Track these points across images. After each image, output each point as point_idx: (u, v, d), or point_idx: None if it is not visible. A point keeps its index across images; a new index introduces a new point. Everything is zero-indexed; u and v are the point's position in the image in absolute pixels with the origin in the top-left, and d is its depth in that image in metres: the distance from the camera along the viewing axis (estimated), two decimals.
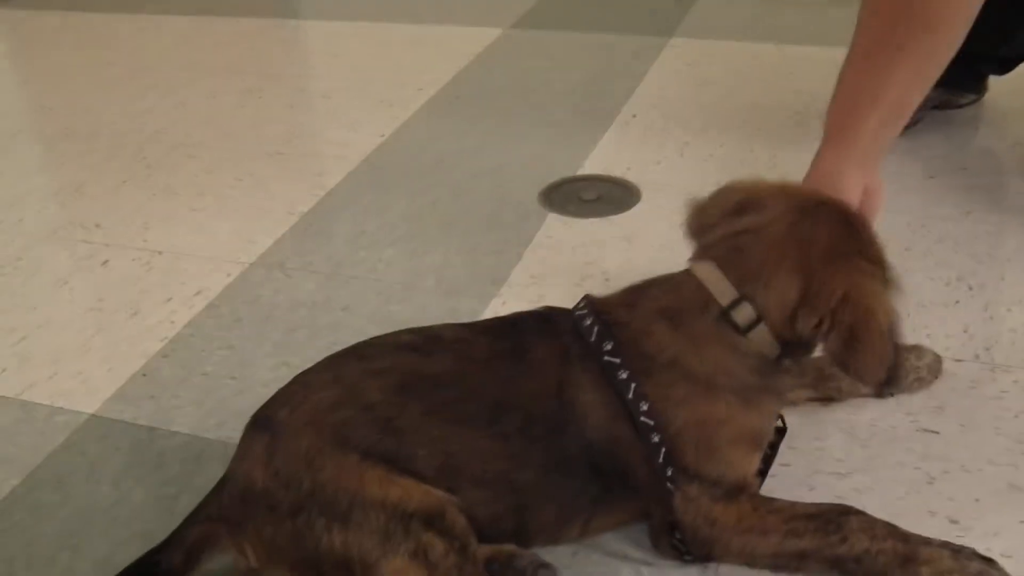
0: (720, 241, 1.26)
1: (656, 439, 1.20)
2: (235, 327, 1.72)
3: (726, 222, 1.27)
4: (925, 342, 1.56)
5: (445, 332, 1.30)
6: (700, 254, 1.28)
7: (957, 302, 1.69)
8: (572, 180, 2.13)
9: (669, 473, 1.20)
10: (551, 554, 1.25)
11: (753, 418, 1.24)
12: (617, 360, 1.22)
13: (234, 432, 1.46)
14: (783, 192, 1.28)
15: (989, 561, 1.18)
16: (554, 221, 1.99)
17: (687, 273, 1.26)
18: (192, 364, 1.64)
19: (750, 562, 1.23)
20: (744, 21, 2.96)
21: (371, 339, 1.30)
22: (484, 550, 1.18)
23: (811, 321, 1.19)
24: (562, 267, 1.82)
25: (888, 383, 1.21)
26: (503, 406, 1.21)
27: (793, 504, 1.23)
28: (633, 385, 1.20)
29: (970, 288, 1.73)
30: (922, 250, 1.83)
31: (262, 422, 1.20)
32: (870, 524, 1.20)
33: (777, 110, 2.37)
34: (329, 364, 1.26)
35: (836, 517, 1.20)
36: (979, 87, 2.36)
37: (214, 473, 1.26)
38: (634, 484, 1.23)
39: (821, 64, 2.58)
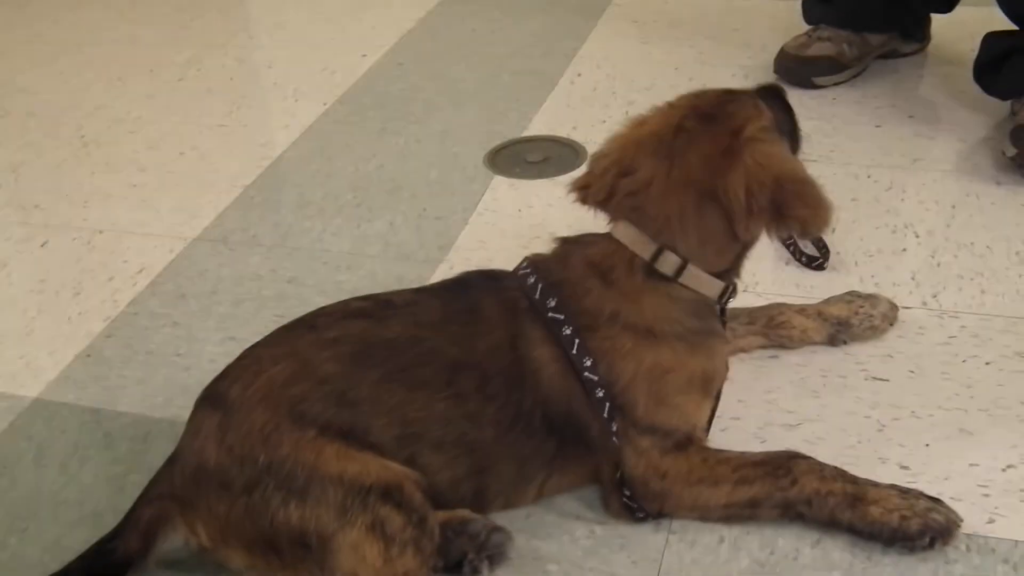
0: (624, 201, 1.25)
1: (600, 394, 1.20)
2: (179, 303, 1.70)
3: (613, 183, 1.26)
4: (873, 290, 1.56)
5: (396, 297, 1.29)
6: (613, 216, 1.27)
7: (904, 250, 1.70)
8: (517, 142, 2.12)
9: (615, 428, 1.20)
10: (505, 516, 1.25)
11: (701, 361, 1.25)
12: (561, 316, 1.22)
13: (182, 410, 1.45)
14: (641, 141, 1.27)
15: (936, 500, 1.19)
16: (500, 183, 1.97)
17: (608, 235, 1.27)
18: (136, 343, 1.62)
19: (703, 514, 1.23)
20: None
21: (321, 308, 1.28)
22: (439, 516, 1.18)
23: (758, 223, 1.21)
24: (509, 230, 1.80)
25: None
26: (459, 366, 1.20)
27: (742, 454, 1.24)
28: (577, 341, 1.21)
29: (917, 236, 1.73)
30: (869, 199, 1.83)
31: (213, 399, 1.18)
32: (818, 467, 1.21)
33: (725, 65, 2.36)
34: (280, 337, 1.24)
35: (785, 462, 1.21)
36: (923, 34, 2.37)
37: (163, 452, 1.24)
38: (587, 440, 1.23)
39: (769, 16, 2.59)
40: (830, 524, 1.20)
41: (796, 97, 1.45)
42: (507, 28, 2.69)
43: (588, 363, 1.20)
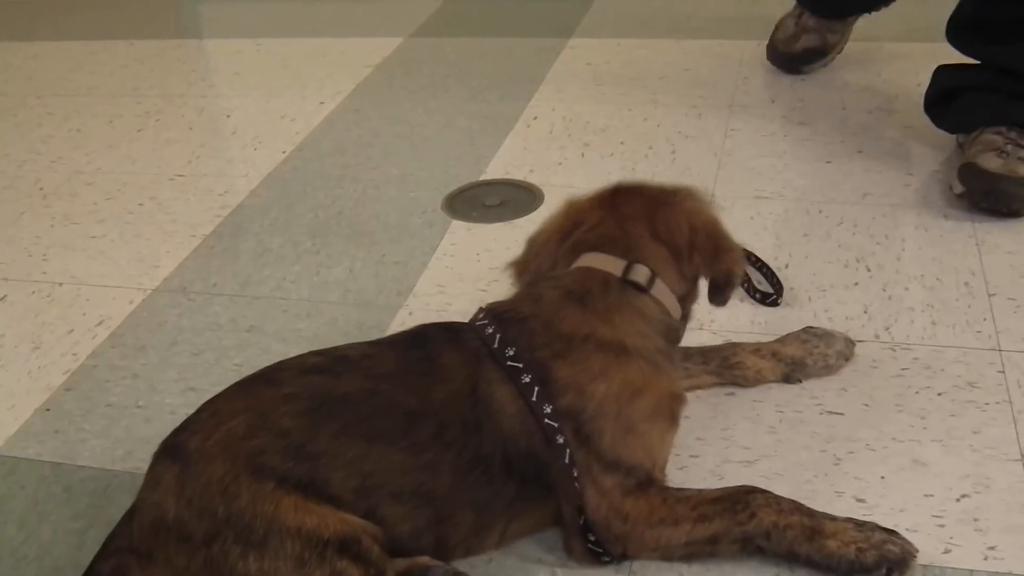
0: (584, 238, 1.36)
1: (561, 440, 1.21)
2: (139, 355, 1.70)
3: (555, 249, 1.39)
4: (827, 325, 1.58)
5: (351, 351, 1.29)
6: (574, 252, 1.36)
7: (856, 284, 1.72)
8: (475, 186, 2.13)
9: (575, 473, 1.21)
10: (466, 562, 1.25)
11: (666, 384, 1.28)
12: (520, 365, 1.23)
13: (142, 462, 1.44)
14: (577, 207, 1.42)
15: (892, 532, 1.21)
16: (458, 228, 1.99)
17: (576, 269, 1.34)
18: (96, 396, 1.61)
19: (665, 554, 1.24)
20: (642, 18, 2.98)
21: (279, 363, 1.28)
22: (399, 564, 1.18)
23: (692, 263, 1.35)
24: (468, 274, 1.82)
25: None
26: (415, 416, 1.21)
27: (699, 491, 1.25)
28: (537, 388, 1.22)
29: (869, 269, 1.75)
30: (821, 234, 1.86)
31: (172, 450, 1.18)
32: (775, 500, 1.22)
33: (677, 105, 2.39)
34: (239, 391, 1.24)
35: (743, 496, 1.22)
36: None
37: (123, 505, 1.24)
38: (548, 481, 1.24)
39: (719, 56, 2.63)
40: (788, 557, 1.21)
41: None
42: (463, 72, 2.72)
43: (548, 410, 1.21)
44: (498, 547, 1.28)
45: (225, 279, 1.89)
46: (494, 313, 1.30)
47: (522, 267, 1.43)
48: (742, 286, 1.69)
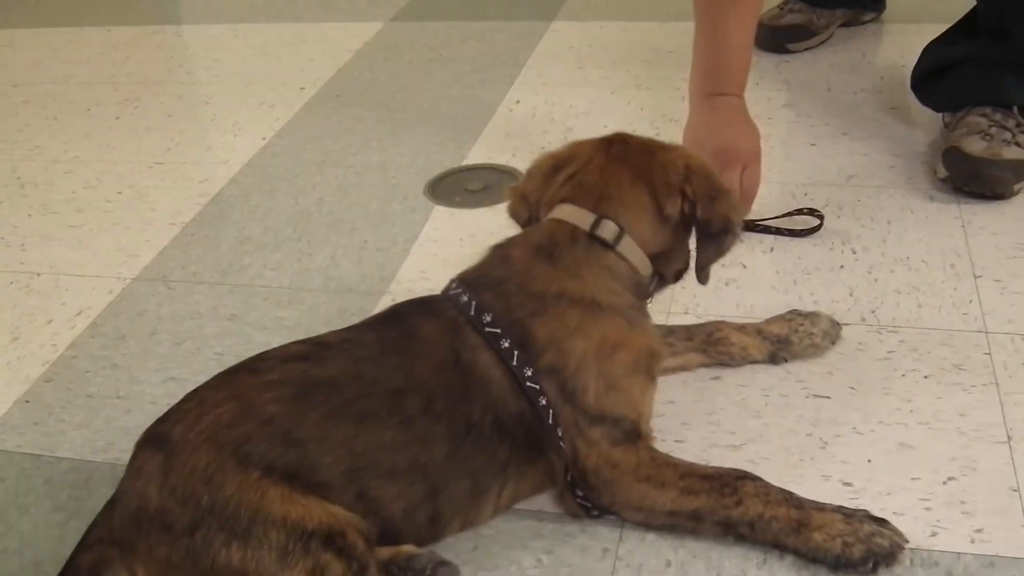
0: (560, 188, 1.37)
1: (543, 402, 1.22)
2: (119, 345, 1.68)
3: (550, 181, 1.40)
4: (812, 308, 1.57)
5: (331, 336, 1.29)
6: (551, 203, 1.37)
7: (842, 267, 1.71)
8: (457, 171, 2.12)
9: (560, 433, 1.22)
10: (452, 549, 1.24)
11: (642, 338, 1.29)
12: (498, 330, 1.24)
13: (123, 453, 1.43)
14: (579, 143, 1.44)
15: (882, 521, 1.20)
16: (441, 213, 1.97)
17: (548, 220, 1.35)
18: (76, 386, 1.60)
19: (648, 519, 1.25)
20: (625, 1, 2.96)
21: (262, 353, 1.27)
22: (383, 553, 1.17)
23: (676, 202, 1.34)
24: (451, 260, 1.80)
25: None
26: (402, 392, 1.20)
27: (691, 464, 1.25)
28: (516, 352, 1.23)
29: (854, 252, 1.75)
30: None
31: (155, 439, 1.17)
32: (765, 490, 1.21)
33: (661, 88, 2.38)
34: (223, 381, 1.23)
35: (732, 481, 1.22)
36: (879, 4, 2.60)
37: (104, 496, 1.23)
38: (539, 439, 1.24)
39: None
40: (774, 547, 1.21)
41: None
42: (445, 57, 2.70)
43: (529, 373, 1.22)
44: (494, 516, 1.28)
45: (205, 267, 1.87)
46: (466, 281, 1.31)
47: (517, 193, 1.45)
48: (768, 230, 1.77)
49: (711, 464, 1.34)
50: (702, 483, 1.22)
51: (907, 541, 1.19)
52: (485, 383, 1.23)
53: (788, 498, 1.21)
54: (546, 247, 1.31)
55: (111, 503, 1.18)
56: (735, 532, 1.21)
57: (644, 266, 1.34)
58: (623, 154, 1.38)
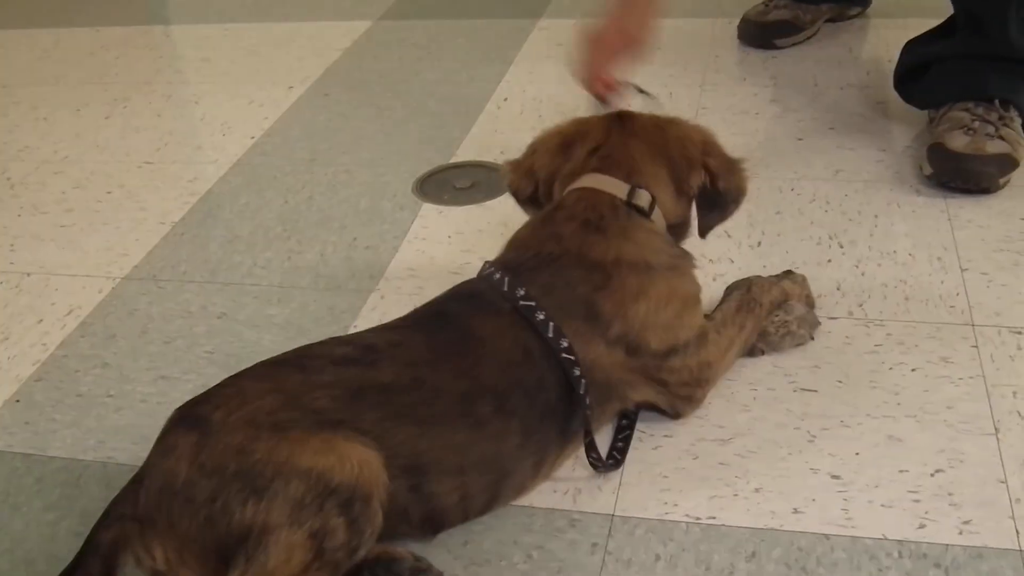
0: (586, 161, 1.42)
1: (578, 372, 1.25)
2: (110, 344, 1.68)
3: (562, 155, 1.45)
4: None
5: (375, 339, 1.26)
6: (573, 175, 1.41)
7: (829, 261, 1.72)
8: (446, 169, 2.12)
9: (588, 402, 1.26)
10: (442, 546, 1.25)
11: (688, 285, 1.39)
12: (532, 303, 1.26)
13: (114, 451, 1.44)
14: (583, 120, 1.48)
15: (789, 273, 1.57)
16: (429, 211, 1.97)
17: (578, 191, 1.39)
18: (66, 386, 1.60)
19: (731, 364, 1.47)
20: None
21: (303, 350, 1.25)
22: (372, 550, 1.16)
23: (700, 175, 1.41)
24: (439, 257, 1.81)
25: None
26: (470, 395, 1.20)
27: (723, 310, 1.47)
28: (552, 324, 1.25)
29: (841, 246, 1.76)
30: (793, 212, 1.86)
31: (192, 420, 1.14)
32: (760, 281, 1.52)
33: (649, 84, 2.37)
34: (266, 372, 1.20)
35: (747, 295, 1.48)
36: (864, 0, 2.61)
37: (95, 495, 1.23)
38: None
39: (690, 35, 2.62)
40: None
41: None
42: (433, 55, 2.70)
43: (564, 344, 1.25)
44: (542, 482, 1.32)
45: (195, 266, 1.87)
46: (510, 267, 1.32)
47: (520, 168, 1.49)
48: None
49: (699, 459, 1.35)
50: (740, 315, 1.46)
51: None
52: (556, 368, 1.25)
53: (768, 285, 1.51)
54: (594, 220, 1.35)
55: (135, 480, 1.15)
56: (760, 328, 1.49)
57: (671, 219, 1.42)
58: (637, 129, 1.42)
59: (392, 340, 1.25)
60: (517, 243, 1.39)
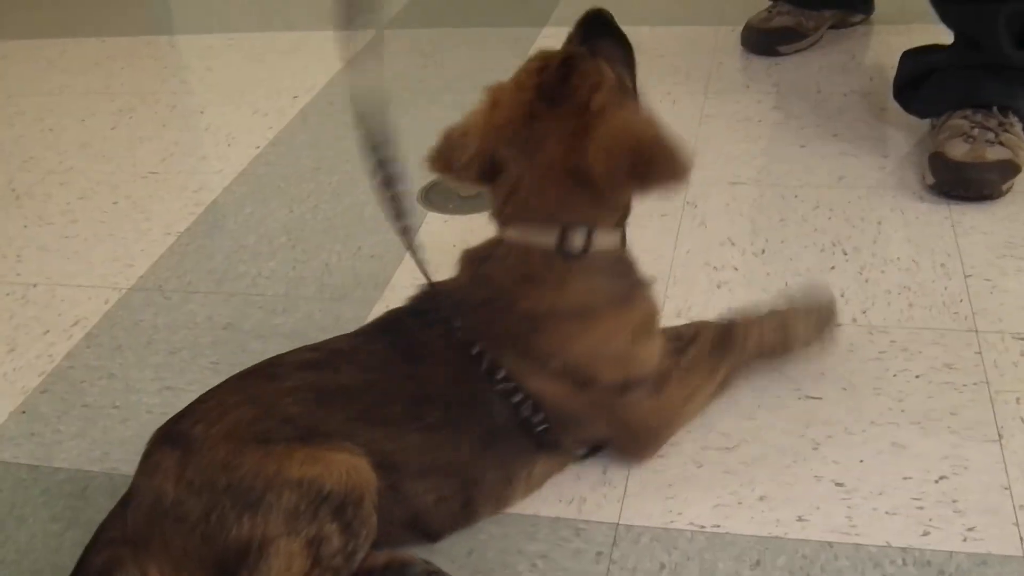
0: (506, 211, 1.30)
1: (518, 398, 1.25)
2: (115, 355, 1.69)
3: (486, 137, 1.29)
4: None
5: (341, 344, 1.30)
6: (502, 223, 1.32)
7: (833, 268, 1.72)
8: None
9: (540, 424, 1.27)
10: (446, 555, 1.25)
11: (638, 312, 1.32)
12: (469, 336, 1.26)
13: (119, 463, 1.45)
14: (498, 128, 1.28)
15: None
16: (434, 219, 1.98)
17: (505, 247, 1.30)
18: (72, 397, 1.60)
19: (698, 411, 1.42)
20: (615, 6, 2.95)
21: (272, 359, 1.28)
22: (379, 557, 1.18)
23: (629, 192, 1.29)
24: (444, 265, 1.79)
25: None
26: (421, 401, 1.22)
27: (697, 347, 1.41)
28: (487, 357, 1.25)
29: (845, 253, 1.76)
30: (797, 219, 1.86)
31: (173, 437, 1.16)
32: (748, 321, 1.44)
33: (651, 91, 2.36)
34: (239, 384, 1.24)
35: (728, 333, 1.42)
36: (868, 6, 2.60)
37: (101, 506, 1.23)
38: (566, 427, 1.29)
39: (693, 43, 2.62)
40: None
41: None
42: (437, 63, 2.70)
43: (499, 375, 1.25)
44: (526, 494, 1.32)
45: (200, 276, 1.87)
46: (453, 294, 1.32)
47: (439, 163, 1.35)
48: None
49: (703, 467, 1.35)
50: (716, 357, 1.40)
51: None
52: (503, 390, 1.25)
53: (763, 317, 1.44)
54: (523, 272, 1.28)
55: (122, 502, 1.17)
56: (747, 366, 1.44)
57: (615, 241, 1.32)
58: (551, 149, 1.24)
59: (356, 344, 1.29)
60: (464, 264, 1.36)
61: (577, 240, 1.26)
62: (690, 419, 1.40)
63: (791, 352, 1.48)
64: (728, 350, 1.41)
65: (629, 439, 1.35)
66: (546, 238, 1.27)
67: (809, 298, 1.50)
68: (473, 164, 1.30)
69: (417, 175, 2.12)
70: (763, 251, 1.78)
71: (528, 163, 1.26)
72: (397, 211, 1.32)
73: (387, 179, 1.31)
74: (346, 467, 1.12)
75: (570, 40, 1.39)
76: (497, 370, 1.25)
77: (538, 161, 1.25)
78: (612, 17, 1.43)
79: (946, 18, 1.99)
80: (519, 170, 1.26)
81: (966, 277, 1.67)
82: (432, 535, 1.26)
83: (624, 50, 1.40)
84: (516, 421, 1.25)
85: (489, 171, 1.29)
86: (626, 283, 1.33)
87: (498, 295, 1.28)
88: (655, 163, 1.21)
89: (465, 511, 1.26)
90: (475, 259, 1.34)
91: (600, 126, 1.23)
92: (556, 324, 1.26)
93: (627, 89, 1.35)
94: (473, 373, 1.25)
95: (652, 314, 1.35)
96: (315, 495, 1.09)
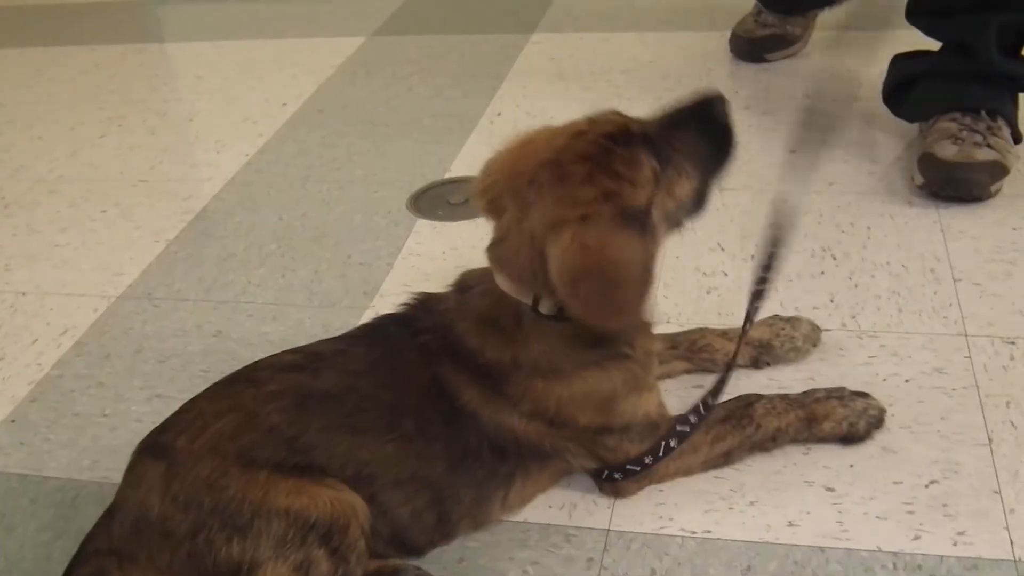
0: (492, 253, 1.23)
1: (480, 426, 1.24)
2: (104, 363, 1.68)
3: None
4: (793, 313, 1.58)
5: (322, 347, 1.30)
6: (490, 261, 1.24)
7: (822, 273, 1.72)
8: (440, 184, 2.13)
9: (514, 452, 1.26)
10: (437, 563, 1.25)
11: (609, 382, 1.25)
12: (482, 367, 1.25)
13: (109, 472, 1.44)
14: (515, 172, 1.20)
15: (864, 395, 1.39)
16: (424, 227, 1.98)
17: (483, 288, 1.26)
18: (62, 406, 1.60)
19: (685, 474, 1.34)
20: (604, 12, 2.97)
21: (254, 363, 1.28)
22: (370, 565, 1.18)
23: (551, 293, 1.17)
24: (433, 273, 1.81)
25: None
26: (397, 410, 1.22)
27: (706, 415, 1.31)
28: (463, 394, 1.24)
29: (834, 258, 1.76)
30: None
31: (156, 449, 1.17)
32: (771, 405, 1.35)
33: (641, 98, 2.39)
34: (220, 392, 1.24)
35: (745, 411, 1.34)
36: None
37: (91, 515, 1.23)
38: (545, 452, 1.28)
39: (682, 49, 2.63)
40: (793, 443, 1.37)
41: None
42: (426, 71, 2.71)
43: (461, 401, 1.24)
44: (503, 515, 1.31)
45: (190, 285, 1.87)
46: (436, 315, 1.29)
47: (491, 198, 1.23)
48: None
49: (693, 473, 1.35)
50: (724, 427, 1.34)
51: (885, 408, 1.39)
52: (474, 416, 1.23)
53: (791, 402, 1.37)
54: (490, 317, 1.24)
55: (108, 513, 1.18)
56: (761, 448, 1.36)
57: None
58: (534, 221, 1.15)
59: (338, 349, 1.29)
60: (457, 285, 1.32)
61: (548, 306, 1.21)
62: (673, 476, 1.34)
63: (820, 441, 1.38)
64: (742, 424, 1.34)
65: (607, 480, 1.32)
66: (523, 295, 1.21)
67: (842, 391, 1.39)
68: (483, 196, 1.24)
69: (403, 181, 2.13)
70: (752, 256, 1.78)
71: (517, 223, 1.18)
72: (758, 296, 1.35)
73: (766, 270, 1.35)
74: (330, 498, 1.13)
75: (663, 113, 1.28)
76: (459, 396, 1.23)
77: (523, 228, 1.17)
78: (727, 108, 1.28)
79: (934, 32, 2.00)
80: (510, 223, 1.19)
81: (955, 281, 1.67)
82: (415, 550, 1.26)
83: (717, 151, 1.27)
84: (487, 444, 1.24)
85: (495, 209, 1.23)
86: (601, 353, 1.25)
87: (469, 333, 1.25)
88: (608, 302, 1.14)
89: (441, 527, 1.25)
90: (465, 286, 1.30)
91: (572, 232, 1.12)
92: (521, 377, 1.23)
93: (686, 166, 1.24)
94: (446, 389, 1.24)
95: (635, 376, 1.27)
96: (302, 524, 1.11)
